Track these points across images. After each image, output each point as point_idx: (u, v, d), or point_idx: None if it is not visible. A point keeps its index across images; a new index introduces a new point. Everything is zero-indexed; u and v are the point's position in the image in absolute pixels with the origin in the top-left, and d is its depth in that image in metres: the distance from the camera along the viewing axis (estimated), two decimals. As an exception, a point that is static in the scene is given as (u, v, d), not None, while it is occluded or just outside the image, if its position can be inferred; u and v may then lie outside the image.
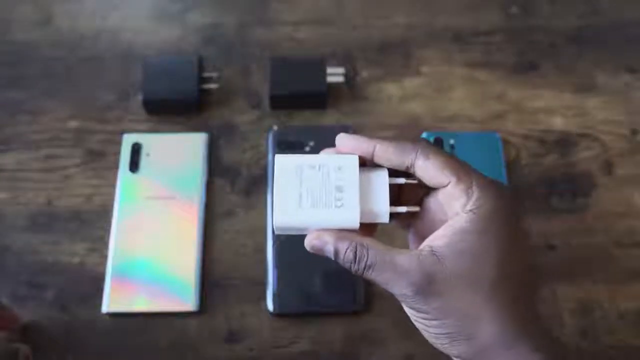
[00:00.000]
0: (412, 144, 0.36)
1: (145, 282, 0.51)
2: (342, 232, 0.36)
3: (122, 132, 0.58)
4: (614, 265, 0.53)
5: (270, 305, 0.51)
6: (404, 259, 0.34)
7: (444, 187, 0.35)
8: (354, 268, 0.35)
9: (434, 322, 0.34)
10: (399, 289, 0.34)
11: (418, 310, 0.35)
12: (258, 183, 0.56)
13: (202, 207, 0.55)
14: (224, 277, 0.53)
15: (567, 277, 0.53)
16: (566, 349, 0.35)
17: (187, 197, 0.55)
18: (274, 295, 0.51)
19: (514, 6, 0.66)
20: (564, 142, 0.58)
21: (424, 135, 0.57)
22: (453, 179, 0.35)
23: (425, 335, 0.36)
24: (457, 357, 0.35)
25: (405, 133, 0.58)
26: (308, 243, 0.36)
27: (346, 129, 0.57)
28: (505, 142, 0.58)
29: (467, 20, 0.65)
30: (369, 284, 0.51)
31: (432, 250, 0.34)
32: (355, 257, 0.35)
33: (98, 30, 0.64)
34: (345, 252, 0.35)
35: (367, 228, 0.37)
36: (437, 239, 0.34)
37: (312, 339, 0.50)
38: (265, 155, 0.57)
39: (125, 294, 0.51)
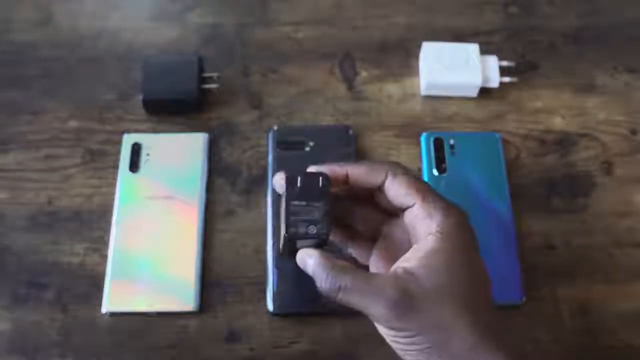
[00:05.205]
0: (382, 164, 0.39)
1: (145, 282, 0.51)
2: (327, 256, 0.38)
3: (122, 132, 0.58)
4: (614, 265, 0.53)
5: (270, 305, 0.51)
6: (380, 279, 0.36)
7: (409, 207, 0.38)
8: (334, 294, 0.37)
9: (412, 339, 0.36)
10: (377, 309, 0.35)
11: (396, 329, 0.36)
12: (258, 183, 0.56)
13: (202, 207, 0.55)
14: (224, 277, 0.53)
15: (567, 277, 0.53)
16: (524, 348, 0.39)
17: (187, 197, 0.55)
18: (274, 295, 0.51)
19: (514, 6, 0.66)
20: (564, 142, 0.58)
21: (424, 135, 0.57)
22: (418, 200, 0.37)
23: (401, 353, 0.37)
24: None
25: (406, 133, 0.58)
26: (298, 258, 0.40)
27: (346, 129, 0.58)
28: (505, 142, 0.58)
29: (467, 20, 0.65)
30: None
31: (407, 270, 0.36)
32: (334, 282, 0.37)
33: (98, 30, 0.64)
34: (326, 277, 0.37)
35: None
36: (407, 260, 0.37)
37: (312, 339, 0.50)
38: (265, 155, 0.57)
39: (125, 294, 0.51)
